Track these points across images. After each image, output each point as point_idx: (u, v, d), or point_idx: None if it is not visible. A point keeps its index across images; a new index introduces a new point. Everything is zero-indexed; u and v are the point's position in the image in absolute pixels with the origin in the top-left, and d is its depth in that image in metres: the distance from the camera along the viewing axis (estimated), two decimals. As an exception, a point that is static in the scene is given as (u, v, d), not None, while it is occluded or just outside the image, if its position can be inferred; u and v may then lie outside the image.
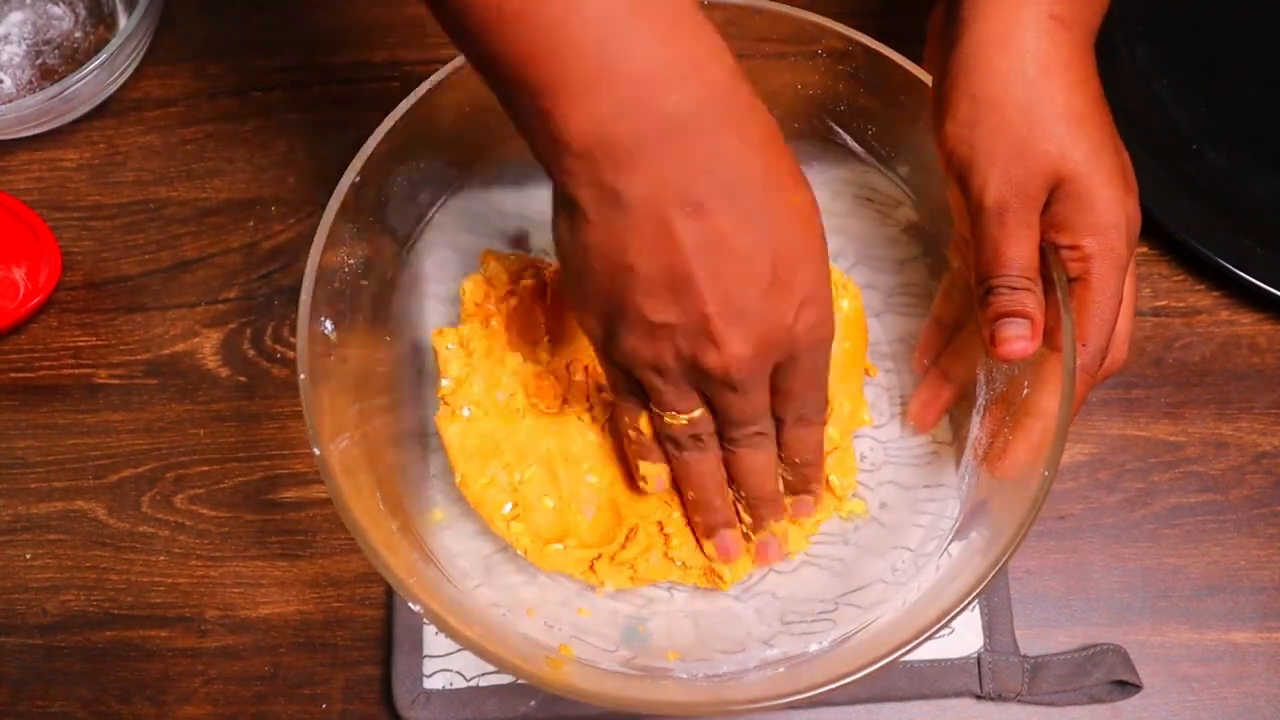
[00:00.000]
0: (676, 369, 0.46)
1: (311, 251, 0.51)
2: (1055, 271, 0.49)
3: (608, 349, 0.47)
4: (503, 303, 0.55)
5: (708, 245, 0.42)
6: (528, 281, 0.56)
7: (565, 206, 0.43)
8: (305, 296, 0.50)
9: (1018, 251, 0.48)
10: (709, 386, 0.47)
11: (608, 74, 0.39)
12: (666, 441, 0.51)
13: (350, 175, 0.52)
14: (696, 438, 0.50)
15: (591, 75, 0.39)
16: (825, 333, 0.47)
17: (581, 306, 0.46)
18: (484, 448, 0.53)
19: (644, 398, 0.49)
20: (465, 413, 0.53)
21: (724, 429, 0.50)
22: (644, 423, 0.50)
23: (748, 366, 0.45)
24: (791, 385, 0.48)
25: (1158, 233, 0.63)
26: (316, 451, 0.48)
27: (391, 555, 0.47)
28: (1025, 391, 0.50)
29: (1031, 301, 0.48)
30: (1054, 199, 0.49)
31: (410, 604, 0.46)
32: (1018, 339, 0.48)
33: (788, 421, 0.50)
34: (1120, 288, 0.49)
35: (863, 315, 0.58)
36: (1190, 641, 0.57)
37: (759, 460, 0.51)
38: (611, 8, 0.39)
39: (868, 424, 0.57)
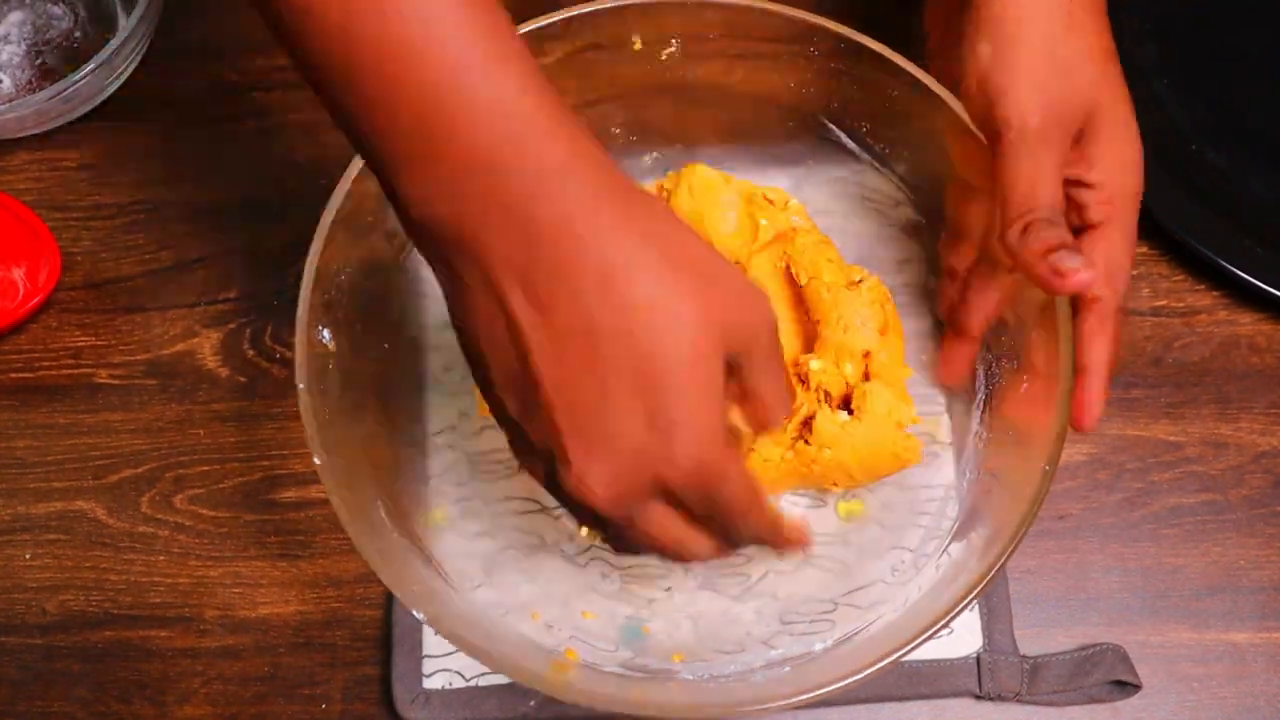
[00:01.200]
0: (638, 497, 0.39)
1: (308, 259, 0.51)
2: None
3: (564, 496, 0.40)
4: None
5: (547, 351, 0.37)
6: None
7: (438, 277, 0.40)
8: (303, 305, 0.50)
9: (1053, 181, 0.47)
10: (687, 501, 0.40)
11: (440, 152, 0.36)
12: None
13: (347, 179, 0.52)
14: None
15: (428, 153, 0.36)
16: (706, 460, 0.38)
17: (514, 444, 0.42)
18: None
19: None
20: None
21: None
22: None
23: (612, 505, 0.38)
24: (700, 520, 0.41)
25: (1158, 233, 0.63)
26: (318, 461, 0.48)
27: (393, 564, 0.47)
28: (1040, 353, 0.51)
29: (1069, 235, 0.46)
30: (1086, 131, 0.49)
31: (415, 613, 0.46)
32: (1081, 269, 0.44)
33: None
34: (1135, 233, 0.50)
35: (896, 316, 0.57)
36: (1190, 641, 0.57)
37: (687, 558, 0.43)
38: (456, 81, 0.36)
39: (916, 421, 0.55)
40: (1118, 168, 0.49)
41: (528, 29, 0.54)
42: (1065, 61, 0.48)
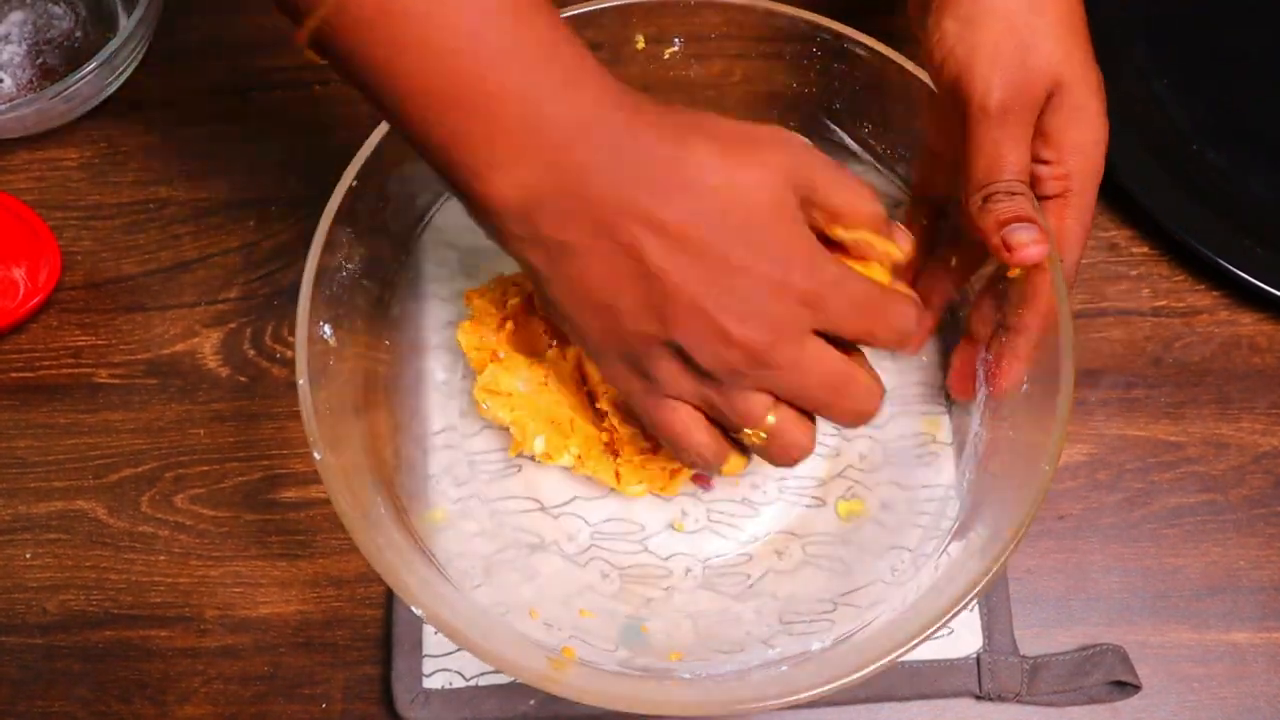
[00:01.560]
0: (717, 373, 0.44)
1: (309, 255, 0.51)
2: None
3: (651, 392, 0.46)
4: (499, 332, 0.56)
5: (671, 252, 0.42)
6: (515, 300, 0.56)
7: (528, 271, 0.44)
8: (304, 301, 0.50)
9: (1016, 155, 0.48)
10: (760, 379, 0.44)
11: (528, 143, 0.41)
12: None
13: (347, 177, 0.52)
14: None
15: (513, 147, 0.41)
16: (827, 274, 0.44)
17: (602, 363, 0.46)
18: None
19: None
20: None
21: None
22: (733, 462, 0.48)
23: (775, 351, 0.43)
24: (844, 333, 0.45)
25: (1158, 233, 0.63)
26: (317, 456, 0.48)
27: (393, 560, 0.47)
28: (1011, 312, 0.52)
29: (1030, 207, 0.48)
30: (1047, 108, 0.49)
31: (413, 608, 0.46)
32: (1031, 243, 0.47)
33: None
34: (1091, 211, 0.51)
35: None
36: (1190, 641, 0.57)
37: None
38: (525, 81, 0.40)
39: None
40: (1074, 145, 0.49)
41: None
42: (1026, 39, 0.48)
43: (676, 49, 0.58)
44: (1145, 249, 0.64)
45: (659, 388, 0.45)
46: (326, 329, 0.52)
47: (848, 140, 0.60)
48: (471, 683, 0.55)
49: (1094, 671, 0.55)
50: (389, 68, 0.40)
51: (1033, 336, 0.50)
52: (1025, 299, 0.51)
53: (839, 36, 0.55)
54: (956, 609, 0.45)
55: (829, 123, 0.59)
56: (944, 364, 0.58)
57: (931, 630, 0.45)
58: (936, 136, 0.54)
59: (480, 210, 0.43)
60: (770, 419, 0.46)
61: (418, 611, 0.46)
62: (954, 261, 0.56)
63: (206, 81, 0.69)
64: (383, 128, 0.53)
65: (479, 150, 0.41)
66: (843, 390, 0.46)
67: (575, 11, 0.55)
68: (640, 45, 0.57)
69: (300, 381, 0.49)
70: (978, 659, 0.55)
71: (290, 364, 0.62)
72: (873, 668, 0.44)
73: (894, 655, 0.44)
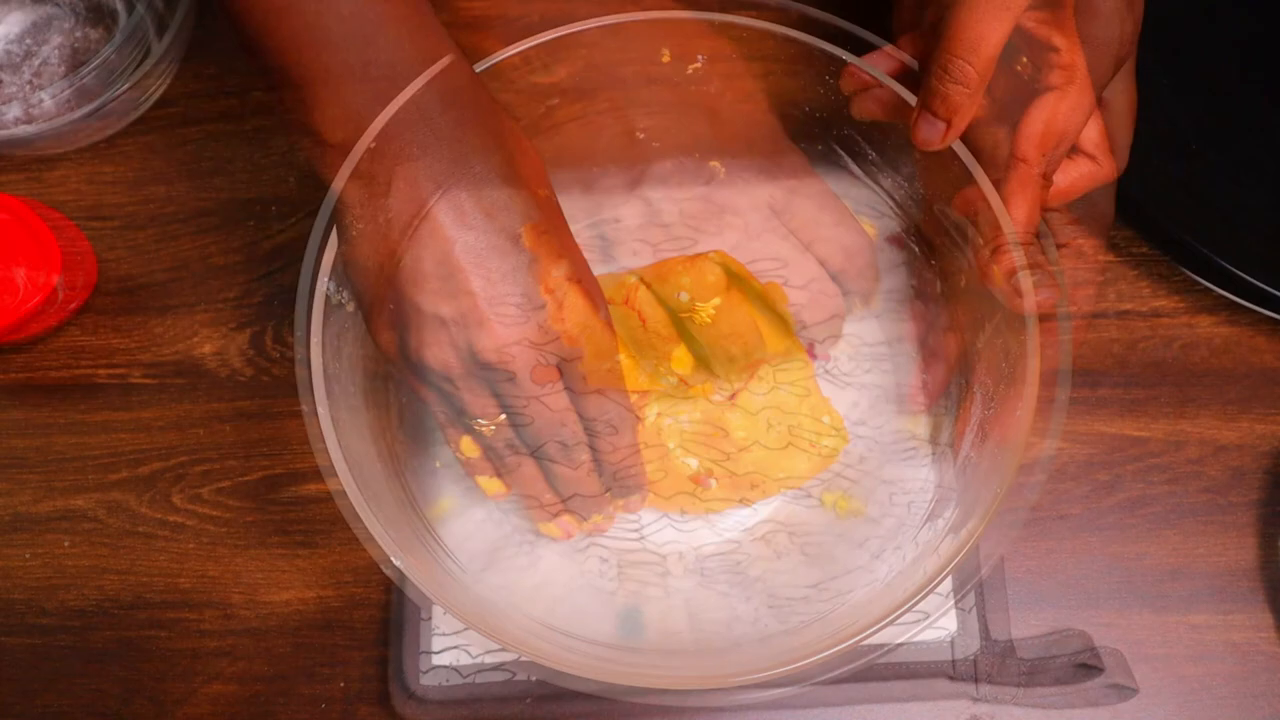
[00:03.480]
0: (460, 366, 0.47)
1: (308, 248, 0.50)
2: (1045, 239, 0.50)
3: (405, 359, 0.48)
4: None
5: (462, 231, 0.44)
6: None
7: (338, 211, 0.47)
8: (301, 298, 0.50)
9: (1026, 207, 0.48)
10: (497, 385, 0.47)
11: (359, 69, 0.43)
12: (489, 453, 0.51)
13: (358, 151, 0.52)
14: (511, 445, 0.50)
15: (344, 70, 0.43)
16: (591, 317, 0.47)
17: (375, 320, 0.48)
18: None
19: (462, 419, 0.50)
20: None
21: (526, 439, 0.50)
22: (465, 444, 0.52)
23: (501, 352, 0.46)
24: (579, 374, 0.48)
25: (1158, 233, 0.63)
26: (305, 408, 0.48)
27: (403, 550, 0.48)
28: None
29: (1039, 256, 0.48)
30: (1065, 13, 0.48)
31: (393, 561, 0.47)
32: (1041, 288, 0.48)
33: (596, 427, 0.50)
34: (1091, 108, 0.49)
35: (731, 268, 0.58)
36: (1190, 641, 0.57)
37: (568, 471, 0.51)
38: (364, 10, 0.42)
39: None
40: (1080, 37, 0.48)
41: (562, 33, 0.54)
42: None
43: (699, 64, 0.58)
44: (1145, 249, 0.64)
45: (410, 356, 0.48)
46: (331, 284, 0.52)
47: (842, 155, 0.60)
48: (469, 679, 0.55)
49: (1090, 676, 0.55)
50: (265, 27, 0.44)
51: (1028, 227, 0.49)
52: (1009, 198, 0.49)
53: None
54: (922, 594, 0.46)
55: (836, 148, 0.59)
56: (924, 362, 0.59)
57: (895, 615, 0.46)
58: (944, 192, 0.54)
59: (307, 132, 0.46)
60: (501, 418, 0.49)
61: (397, 562, 0.47)
62: (963, 320, 0.56)
63: (206, 81, 0.69)
64: (378, 124, 0.53)
65: (311, 66, 0.44)
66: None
67: (597, 24, 0.54)
68: (666, 59, 0.57)
69: (310, 379, 0.49)
70: (975, 660, 0.55)
71: (291, 363, 0.62)
72: (836, 649, 0.45)
73: (857, 639, 0.45)
